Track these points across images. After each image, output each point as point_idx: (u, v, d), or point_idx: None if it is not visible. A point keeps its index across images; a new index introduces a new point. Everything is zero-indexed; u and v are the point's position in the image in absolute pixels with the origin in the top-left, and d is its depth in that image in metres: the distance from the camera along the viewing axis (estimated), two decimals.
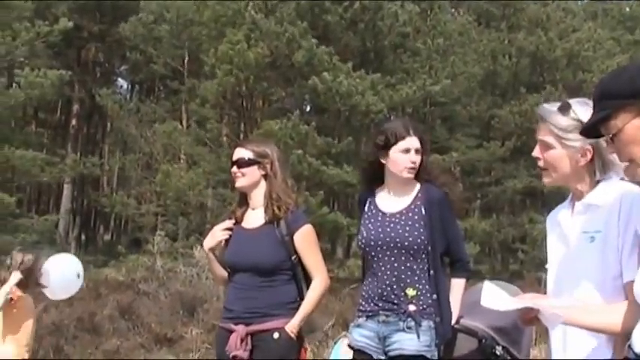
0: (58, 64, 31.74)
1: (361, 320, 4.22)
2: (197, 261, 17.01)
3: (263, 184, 4.43)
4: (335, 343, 6.38)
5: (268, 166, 4.44)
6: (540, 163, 3.14)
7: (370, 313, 4.19)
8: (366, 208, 4.35)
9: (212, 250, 4.58)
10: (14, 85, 29.12)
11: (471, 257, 35.05)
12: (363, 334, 4.18)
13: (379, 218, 4.27)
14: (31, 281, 6.72)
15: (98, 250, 47.27)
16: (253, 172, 4.41)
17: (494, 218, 34.42)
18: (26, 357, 6.89)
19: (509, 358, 4.00)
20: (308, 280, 4.39)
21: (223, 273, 4.55)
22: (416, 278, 4.16)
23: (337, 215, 26.29)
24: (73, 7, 36.25)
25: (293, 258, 4.32)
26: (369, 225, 4.30)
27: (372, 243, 4.22)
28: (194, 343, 11.19)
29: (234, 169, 4.44)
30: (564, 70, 33.10)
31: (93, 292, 15.94)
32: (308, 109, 35.86)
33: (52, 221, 30.67)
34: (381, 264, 4.18)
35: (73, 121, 41.23)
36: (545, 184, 3.27)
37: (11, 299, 6.55)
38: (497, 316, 3.97)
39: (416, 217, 4.23)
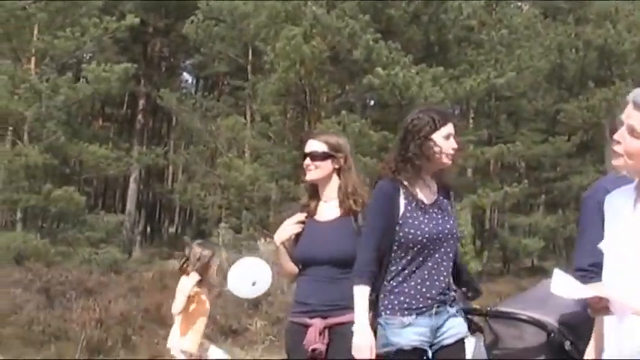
0: (124, 60, 32.16)
1: (411, 319, 4.07)
2: (261, 254, 17.12)
3: (335, 177, 4.42)
4: None
5: (342, 160, 4.43)
6: (619, 148, 3.08)
7: (423, 309, 4.10)
8: (404, 201, 4.18)
9: (283, 243, 4.54)
10: (82, 80, 29.58)
11: (535, 252, 34.79)
12: (417, 332, 4.08)
13: (426, 210, 4.15)
14: (205, 278, 6.93)
15: (163, 242, 47.91)
16: (327, 166, 4.40)
17: (560, 214, 34.00)
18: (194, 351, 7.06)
19: (576, 354, 3.94)
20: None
21: (292, 267, 4.53)
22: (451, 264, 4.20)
23: None
24: (139, 4, 36.70)
25: None
26: (422, 218, 4.13)
27: (431, 236, 4.11)
28: (259, 335, 11.24)
29: (307, 161, 4.41)
30: (633, 64, 32.48)
31: (159, 283, 16.19)
32: (372, 103, 35.87)
33: (119, 216, 31.11)
34: (437, 256, 4.10)
35: (139, 116, 41.74)
36: (615, 167, 3.21)
37: (189, 296, 6.77)
38: (567, 312, 3.93)
39: (449, 207, 4.24)
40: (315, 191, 4.47)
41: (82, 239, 27.18)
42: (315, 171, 4.40)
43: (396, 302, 4.09)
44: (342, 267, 4.28)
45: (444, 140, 4.09)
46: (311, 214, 4.45)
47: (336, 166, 4.42)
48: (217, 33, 33.40)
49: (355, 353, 3.96)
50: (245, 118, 32.70)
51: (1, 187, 27.26)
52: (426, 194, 4.17)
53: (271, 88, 28.35)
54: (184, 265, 7.11)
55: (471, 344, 4.44)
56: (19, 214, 27.52)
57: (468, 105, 33.61)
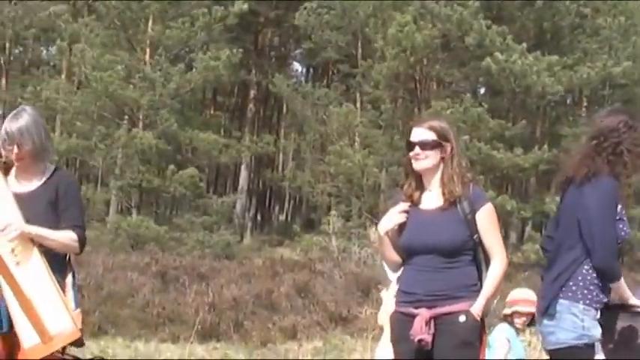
0: (235, 49, 32.58)
1: (597, 313, 4.21)
2: (371, 242, 17.15)
3: (441, 165, 4.39)
4: (492, 327, 6.27)
5: (449, 149, 4.39)
6: None
7: (600, 307, 4.20)
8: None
9: (387, 232, 4.51)
10: (193, 69, 30.16)
11: None
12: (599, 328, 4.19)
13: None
14: None
15: (273, 229, 48.41)
16: (436, 155, 4.35)
17: None
18: None
19: None
20: (486, 262, 4.33)
21: (396, 257, 4.49)
22: None
23: (505, 199, 25.77)
24: None
25: (475, 237, 4.26)
26: (625, 219, 4.29)
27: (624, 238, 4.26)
28: (368, 322, 11.23)
29: (417, 150, 4.35)
30: None
31: (270, 270, 16.38)
32: (482, 91, 35.39)
33: (229, 202, 31.62)
34: None
35: (250, 105, 42.23)
36: None
37: None
38: None
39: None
40: (418, 180, 4.43)
41: (196, 223, 27.75)
42: (425, 160, 4.34)
43: (594, 294, 4.20)
44: (448, 256, 4.23)
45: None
46: (415, 203, 4.41)
47: (443, 155, 4.38)
48: (327, 21, 33.49)
49: None
50: (355, 105, 32.71)
51: (119, 172, 28.09)
52: None
53: (381, 75, 28.28)
54: None
55: None
56: (135, 200, 28.25)
57: (580, 94, 32.79)
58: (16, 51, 45.53)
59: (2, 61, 40.99)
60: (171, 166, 27.56)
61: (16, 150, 4.40)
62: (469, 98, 27.53)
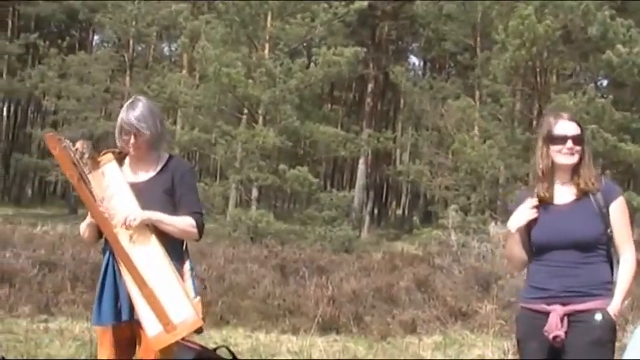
0: (353, 43, 32.71)
1: None
2: (491, 237, 16.97)
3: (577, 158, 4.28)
4: (636, 327, 6.07)
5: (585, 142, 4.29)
6: None
7: None
8: None
9: (517, 230, 4.40)
10: (313, 64, 30.39)
11: None
12: None
13: None
14: None
15: (390, 224, 48.47)
16: (581, 149, 4.25)
17: None
18: None
19: None
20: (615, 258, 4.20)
21: (523, 254, 4.40)
22: None
23: (631, 195, 24.96)
24: None
25: (609, 231, 4.15)
26: None
27: None
28: (489, 318, 11.09)
29: (569, 144, 4.24)
30: None
31: (389, 264, 16.40)
32: (604, 83, 34.55)
33: (349, 197, 31.77)
34: None
35: (368, 99, 42.34)
36: None
37: None
38: None
39: None
40: (549, 174, 4.32)
41: (317, 217, 27.99)
42: (575, 155, 4.23)
43: None
44: (585, 251, 4.12)
45: None
46: (546, 198, 4.30)
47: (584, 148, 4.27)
48: (446, 13, 33.25)
49: None
50: (473, 99, 32.38)
51: (239, 166, 28.56)
52: None
53: (501, 67, 27.87)
54: None
55: None
56: (254, 193, 28.68)
57: None
58: (139, 48, 47.02)
59: (126, 58, 42.36)
60: (282, 166, 27.79)
61: (132, 139, 4.45)
62: (592, 89, 26.90)
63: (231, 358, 5.72)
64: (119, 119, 4.49)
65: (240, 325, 10.65)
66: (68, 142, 4.40)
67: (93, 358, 7.54)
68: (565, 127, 4.24)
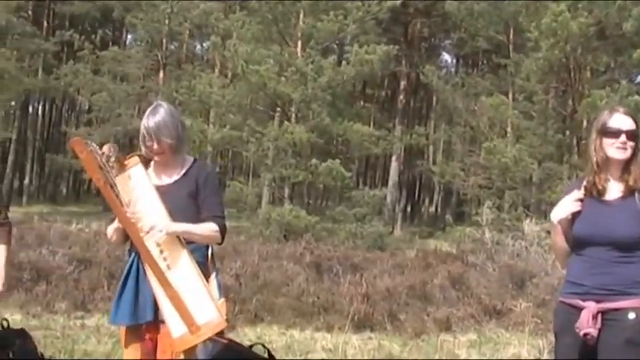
0: (385, 41, 32.67)
1: None
2: (526, 234, 16.86)
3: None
4: None
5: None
6: None
7: None
8: None
9: (560, 221, 4.37)
10: (345, 61, 30.39)
11: None
12: None
13: None
14: None
15: (423, 221, 48.33)
16: (635, 146, 4.20)
17: None
18: None
19: None
20: None
21: (566, 246, 4.36)
22: None
23: None
24: None
25: None
26: None
27: None
28: (523, 316, 11.01)
29: (623, 138, 4.19)
30: None
31: (422, 261, 16.34)
32: (638, 79, 34.27)
33: (380, 194, 31.74)
34: None
35: (400, 96, 42.26)
36: None
37: None
38: None
39: None
40: (598, 168, 4.28)
41: (348, 215, 27.99)
42: (628, 150, 4.19)
43: None
44: (623, 250, 4.07)
45: None
46: (597, 194, 4.26)
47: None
48: (478, 10, 33.10)
49: None
50: (507, 96, 32.20)
51: (271, 164, 28.63)
52: None
53: (535, 65, 27.71)
54: None
55: None
56: (287, 191, 28.73)
57: None
58: (172, 46, 47.24)
59: (159, 57, 42.60)
60: (314, 160, 27.83)
61: (155, 145, 4.49)
62: (626, 86, 26.66)
63: (266, 355, 5.74)
64: (141, 126, 4.55)
65: (274, 323, 10.68)
66: (94, 145, 4.43)
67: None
68: (620, 120, 4.18)
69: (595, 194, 4.20)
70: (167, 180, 4.59)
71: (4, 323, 6.32)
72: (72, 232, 19.53)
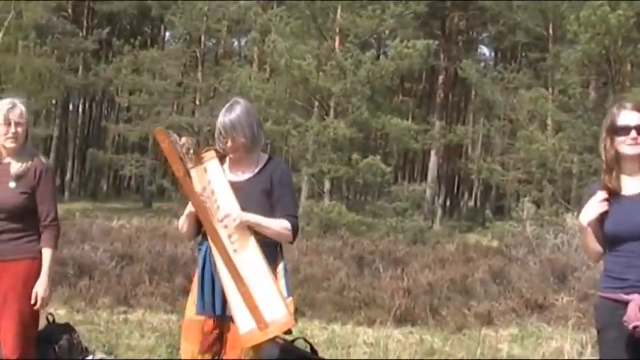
0: (422, 35, 32.58)
1: None
2: (567, 228, 16.72)
3: None
4: None
5: None
6: None
7: None
8: None
9: (589, 223, 4.38)
10: (383, 56, 30.35)
11: None
12: None
13: None
14: None
15: (462, 216, 48.14)
16: None
17: None
18: None
19: None
20: None
21: (599, 247, 4.37)
22: None
23: None
24: None
25: None
26: None
27: None
28: (565, 310, 10.94)
29: (633, 134, 4.21)
30: None
31: (463, 255, 16.28)
32: None
33: (420, 189, 31.68)
34: None
35: (439, 90, 42.13)
36: None
37: None
38: None
39: None
40: (615, 164, 4.29)
41: (388, 209, 27.97)
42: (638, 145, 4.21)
43: None
44: None
45: None
46: (616, 191, 4.27)
47: None
48: (517, 3, 32.88)
49: None
50: (546, 89, 31.93)
51: (311, 159, 28.68)
52: None
53: (574, 58, 27.45)
54: None
55: None
56: (327, 185, 28.76)
57: None
58: (210, 43, 47.48)
59: (198, 53, 42.82)
60: (354, 155, 27.84)
61: (230, 143, 4.51)
62: None
63: (308, 349, 5.76)
64: (217, 122, 4.57)
65: (315, 317, 10.70)
66: (175, 136, 4.48)
67: (171, 351, 7.69)
68: (628, 117, 4.21)
69: (616, 191, 4.22)
70: (241, 177, 4.60)
71: (50, 318, 6.40)
72: (113, 228, 19.73)
